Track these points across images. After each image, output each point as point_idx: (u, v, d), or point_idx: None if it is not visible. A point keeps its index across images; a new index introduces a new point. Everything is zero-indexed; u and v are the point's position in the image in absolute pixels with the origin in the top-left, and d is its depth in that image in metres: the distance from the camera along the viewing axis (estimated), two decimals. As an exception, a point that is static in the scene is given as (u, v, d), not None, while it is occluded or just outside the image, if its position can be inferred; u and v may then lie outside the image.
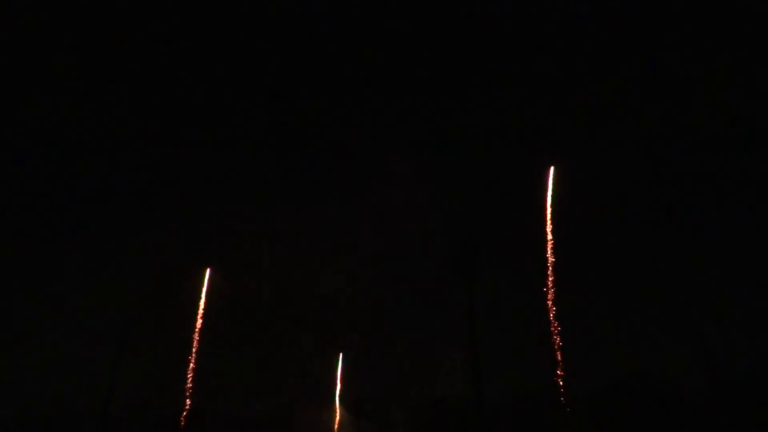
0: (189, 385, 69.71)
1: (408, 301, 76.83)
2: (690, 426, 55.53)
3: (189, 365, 70.96)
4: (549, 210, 66.95)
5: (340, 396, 71.68)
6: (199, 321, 72.37)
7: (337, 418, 70.83)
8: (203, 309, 73.43)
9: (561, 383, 58.87)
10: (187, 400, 68.99)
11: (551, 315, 61.69)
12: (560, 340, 60.16)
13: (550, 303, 62.05)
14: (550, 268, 64.29)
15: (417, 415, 68.77)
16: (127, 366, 66.85)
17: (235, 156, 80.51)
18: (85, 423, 67.85)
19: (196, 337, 72.50)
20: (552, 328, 60.71)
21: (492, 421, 57.15)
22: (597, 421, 58.71)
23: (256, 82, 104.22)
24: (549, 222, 66.87)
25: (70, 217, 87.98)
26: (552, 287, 63.45)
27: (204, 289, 74.39)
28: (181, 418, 68.40)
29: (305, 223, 79.17)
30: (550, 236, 66.23)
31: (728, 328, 64.34)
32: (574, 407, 58.02)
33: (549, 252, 64.99)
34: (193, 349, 71.63)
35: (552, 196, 67.49)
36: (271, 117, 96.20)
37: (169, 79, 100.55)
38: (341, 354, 72.86)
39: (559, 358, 59.68)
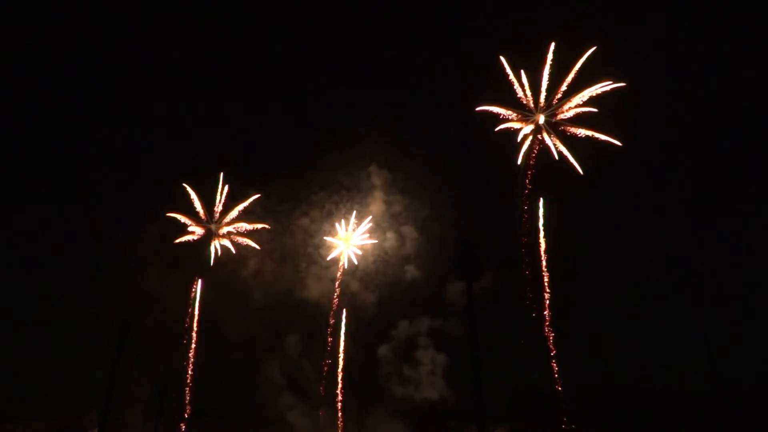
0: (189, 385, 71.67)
1: (395, 303, 76.84)
2: (690, 426, 55.47)
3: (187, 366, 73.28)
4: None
5: (331, 398, 72.63)
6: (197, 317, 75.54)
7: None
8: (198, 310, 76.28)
9: (558, 381, 59.01)
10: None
11: (547, 316, 61.65)
12: (558, 340, 60.38)
13: (547, 303, 61.92)
14: (543, 261, 63.16)
15: (411, 417, 70.00)
16: (126, 366, 67.72)
17: (219, 163, 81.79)
18: (85, 423, 68.28)
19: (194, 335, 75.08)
20: (546, 329, 60.77)
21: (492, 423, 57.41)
22: (597, 421, 58.90)
23: (247, 90, 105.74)
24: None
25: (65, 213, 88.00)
26: (540, 261, 62.34)
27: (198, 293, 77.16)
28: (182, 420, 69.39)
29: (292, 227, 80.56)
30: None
31: (728, 327, 65.55)
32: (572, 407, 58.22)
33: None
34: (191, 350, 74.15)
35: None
36: (253, 128, 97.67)
37: (159, 86, 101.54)
38: (331, 355, 74.23)
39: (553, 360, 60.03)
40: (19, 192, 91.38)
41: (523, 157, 64.99)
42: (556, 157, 63.01)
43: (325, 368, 73.83)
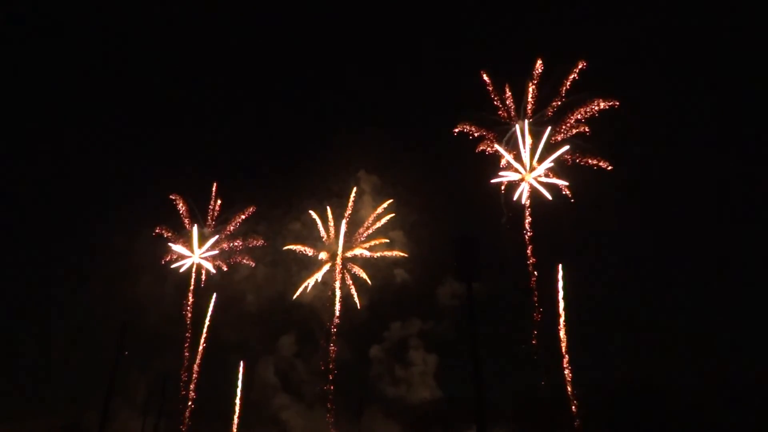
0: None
1: (386, 305, 78.75)
2: (690, 426, 55.44)
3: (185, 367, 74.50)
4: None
5: (324, 398, 73.59)
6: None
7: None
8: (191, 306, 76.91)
9: (544, 383, 60.29)
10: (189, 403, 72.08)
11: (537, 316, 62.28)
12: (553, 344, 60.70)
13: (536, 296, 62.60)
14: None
15: (408, 418, 71.65)
16: (125, 368, 68.80)
17: (211, 171, 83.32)
18: (85, 423, 69.34)
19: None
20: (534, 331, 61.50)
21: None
22: (597, 421, 59.08)
23: (240, 97, 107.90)
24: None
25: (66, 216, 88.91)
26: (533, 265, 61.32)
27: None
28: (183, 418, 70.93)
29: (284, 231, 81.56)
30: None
31: (729, 328, 67.20)
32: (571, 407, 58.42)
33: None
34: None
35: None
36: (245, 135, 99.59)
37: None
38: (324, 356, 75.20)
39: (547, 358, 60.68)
40: (20, 196, 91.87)
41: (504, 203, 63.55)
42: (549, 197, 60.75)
43: (323, 384, 74.78)
